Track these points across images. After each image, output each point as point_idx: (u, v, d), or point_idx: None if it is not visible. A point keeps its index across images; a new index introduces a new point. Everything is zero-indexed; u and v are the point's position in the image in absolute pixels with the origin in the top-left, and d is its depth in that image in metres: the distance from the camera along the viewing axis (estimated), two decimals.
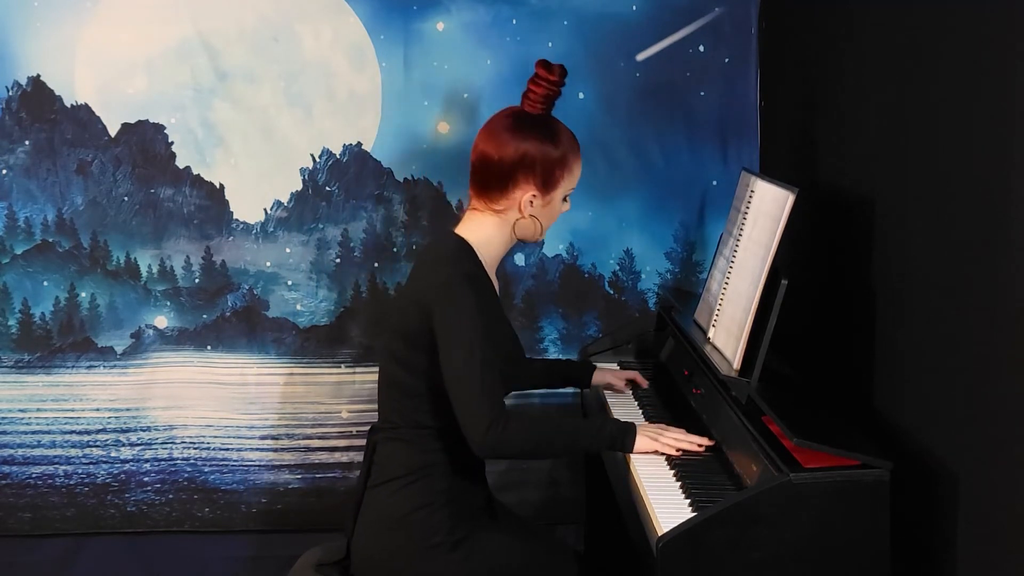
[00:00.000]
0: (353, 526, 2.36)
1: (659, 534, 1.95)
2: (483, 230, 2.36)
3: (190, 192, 3.09)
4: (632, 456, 2.27)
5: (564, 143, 2.34)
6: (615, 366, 2.85)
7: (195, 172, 3.08)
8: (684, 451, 2.28)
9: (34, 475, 3.14)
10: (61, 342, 3.11)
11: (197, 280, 3.12)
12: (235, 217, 3.10)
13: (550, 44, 3.05)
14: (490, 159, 2.33)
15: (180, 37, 3.01)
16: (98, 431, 3.14)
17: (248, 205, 3.10)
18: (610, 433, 2.28)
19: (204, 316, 3.13)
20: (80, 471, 3.14)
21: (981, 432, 1.85)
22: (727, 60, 3.10)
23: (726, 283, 2.46)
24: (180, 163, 3.08)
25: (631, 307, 3.17)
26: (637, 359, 2.94)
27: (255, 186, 3.10)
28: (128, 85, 3.03)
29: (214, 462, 3.16)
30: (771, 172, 2.81)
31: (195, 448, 3.15)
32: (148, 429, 3.14)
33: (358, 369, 3.15)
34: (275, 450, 3.17)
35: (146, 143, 3.06)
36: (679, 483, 2.17)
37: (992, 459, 1.82)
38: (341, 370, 3.16)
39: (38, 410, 3.13)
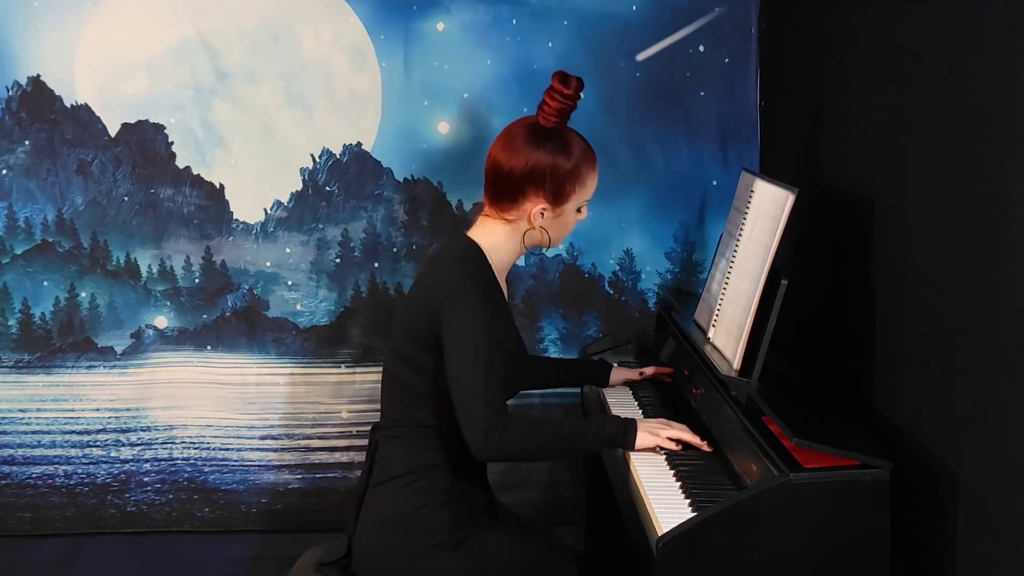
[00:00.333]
0: (354, 524, 2.36)
1: (659, 534, 1.95)
2: (494, 236, 2.37)
3: (190, 192, 3.09)
4: (632, 456, 2.27)
5: (577, 156, 2.33)
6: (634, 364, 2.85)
7: (195, 172, 3.08)
8: (684, 448, 2.28)
9: (34, 475, 3.14)
10: (61, 342, 3.11)
11: (197, 280, 3.12)
12: (235, 217, 3.10)
13: (550, 44, 3.05)
14: (501, 169, 2.33)
15: (180, 37, 3.01)
16: (98, 431, 3.14)
17: (248, 205, 3.10)
18: (610, 432, 2.28)
19: (204, 316, 3.13)
20: (80, 471, 3.14)
21: (981, 432, 1.85)
22: (727, 60, 3.10)
23: (726, 283, 2.46)
24: (180, 163, 3.08)
25: (631, 307, 3.17)
26: (637, 359, 2.94)
27: (255, 186, 3.10)
28: (128, 85, 3.03)
29: (214, 462, 3.16)
30: (771, 172, 2.81)
31: (195, 448, 3.15)
32: (148, 429, 3.15)
33: (358, 369, 3.15)
34: (275, 450, 3.17)
35: (146, 143, 3.06)
36: (679, 483, 2.17)
37: (992, 459, 1.82)
38: (341, 370, 3.16)
39: (38, 410, 3.13)
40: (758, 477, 2.02)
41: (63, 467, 3.14)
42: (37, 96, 3.02)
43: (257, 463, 3.17)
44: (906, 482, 2.01)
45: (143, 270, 3.11)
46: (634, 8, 3.06)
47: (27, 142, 3.05)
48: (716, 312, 2.48)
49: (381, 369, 2.43)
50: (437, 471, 2.32)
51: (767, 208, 2.34)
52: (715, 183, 3.13)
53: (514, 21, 3.05)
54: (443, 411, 2.25)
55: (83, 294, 3.10)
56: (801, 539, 1.94)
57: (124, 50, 3.01)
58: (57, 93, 3.02)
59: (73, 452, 3.14)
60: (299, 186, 3.10)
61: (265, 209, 3.11)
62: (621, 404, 2.66)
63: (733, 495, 1.99)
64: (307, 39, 3.05)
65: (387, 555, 2.31)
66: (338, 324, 3.15)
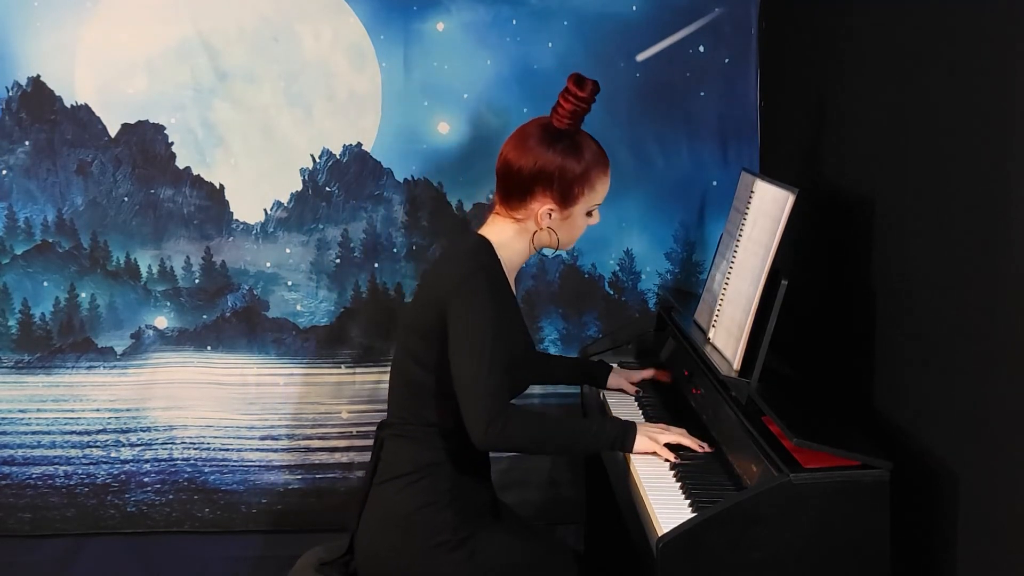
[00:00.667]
0: (357, 521, 2.36)
1: (659, 534, 1.95)
2: (504, 234, 2.37)
3: (190, 192, 3.09)
4: (632, 456, 2.27)
5: (587, 159, 2.33)
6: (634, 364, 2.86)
7: (195, 172, 3.08)
8: (683, 450, 2.28)
9: (34, 475, 3.14)
10: (61, 342, 3.11)
11: (197, 280, 3.12)
12: (235, 217, 3.10)
13: (550, 44, 3.05)
14: (511, 168, 2.33)
15: (180, 37, 3.01)
16: (98, 431, 3.14)
17: (248, 205, 3.10)
18: (610, 433, 2.28)
19: (204, 316, 3.13)
20: (80, 471, 3.14)
21: (981, 432, 1.85)
22: (727, 60, 3.10)
23: (726, 283, 2.46)
24: (180, 163, 3.08)
25: (631, 307, 3.17)
26: (637, 359, 2.94)
27: (255, 186, 3.10)
28: (128, 85, 3.03)
29: (214, 462, 3.16)
30: (771, 172, 2.81)
31: (195, 448, 3.15)
32: (148, 429, 3.14)
33: (358, 369, 3.15)
34: (275, 450, 3.17)
35: (146, 143, 3.06)
36: (679, 483, 2.17)
37: (992, 459, 1.82)
38: (341, 370, 3.16)
39: (38, 410, 3.13)
40: (758, 477, 2.02)
41: (63, 467, 3.14)
42: (37, 96, 3.02)
43: (257, 463, 3.17)
44: (906, 482, 2.01)
45: (143, 270, 3.11)
46: (634, 8, 3.06)
47: (27, 142, 3.04)
48: (716, 312, 2.48)
49: (381, 369, 2.44)
50: (441, 470, 2.32)
51: (767, 208, 2.33)
52: (715, 183, 3.13)
53: (514, 21, 3.05)
54: (448, 409, 2.26)
55: (83, 294, 3.10)
56: (801, 539, 1.94)
57: (124, 50, 3.01)
58: (57, 93, 3.02)
59: (73, 452, 3.14)
60: (299, 186, 3.10)
61: (265, 209, 3.11)
62: (621, 404, 2.66)
63: (733, 495, 1.99)
64: (307, 39, 3.05)
65: (389, 554, 2.31)
66: (338, 324, 3.15)
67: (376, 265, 3.14)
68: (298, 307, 3.14)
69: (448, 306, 2.23)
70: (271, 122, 3.07)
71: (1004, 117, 1.76)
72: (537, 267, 3.15)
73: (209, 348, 3.14)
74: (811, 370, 2.51)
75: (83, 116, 3.04)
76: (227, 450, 3.16)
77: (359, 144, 3.08)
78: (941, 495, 1.97)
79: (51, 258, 3.08)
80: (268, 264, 3.13)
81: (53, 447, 3.13)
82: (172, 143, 3.06)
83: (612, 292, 3.17)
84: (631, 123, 3.09)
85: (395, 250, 3.13)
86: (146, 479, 3.15)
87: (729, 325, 2.38)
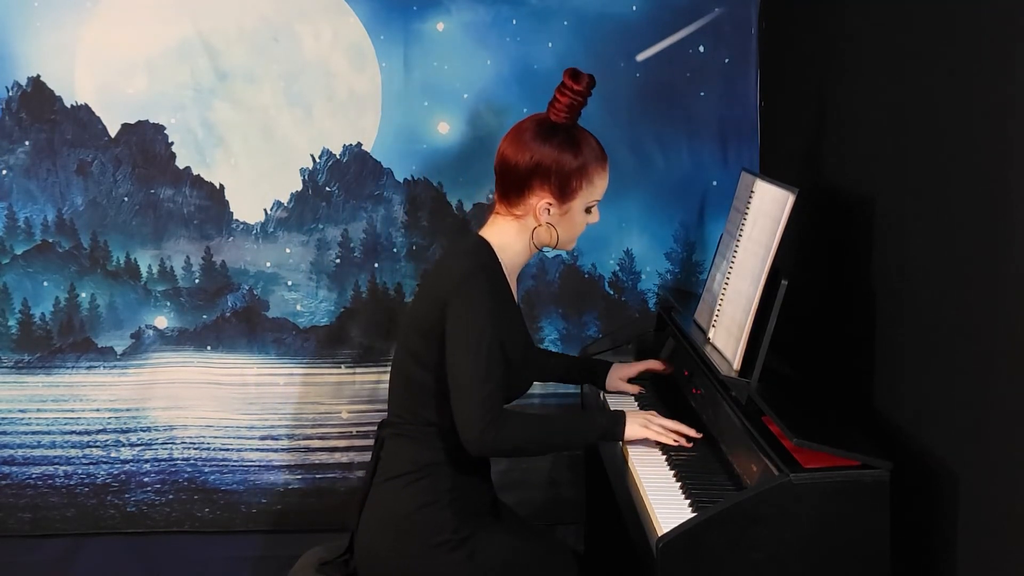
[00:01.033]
0: (358, 521, 2.36)
1: (659, 534, 1.95)
2: (504, 234, 2.37)
3: (190, 192, 3.09)
4: (632, 456, 2.27)
5: (585, 154, 2.33)
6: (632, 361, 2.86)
7: (195, 172, 3.08)
8: (677, 442, 2.30)
9: (34, 475, 3.14)
10: (61, 342, 3.11)
11: (197, 280, 3.12)
12: (235, 217, 3.10)
13: (550, 44, 3.05)
14: (508, 163, 2.33)
15: (180, 37, 3.01)
16: (98, 431, 3.14)
17: (248, 205, 3.10)
18: (601, 424, 2.31)
19: (204, 316, 3.13)
20: (80, 471, 3.14)
21: (981, 432, 1.85)
22: (727, 60, 3.10)
23: (726, 283, 2.46)
24: (180, 163, 3.08)
25: (631, 307, 3.17)
26: (637, 359, 2.93)
27: (255, 186, 3.10)
28: (128, 85, 3.03)
29: (214, 462, 3.16)
30: (771, 172, 2.81)
31: (195, 448, 3.15)
32: (148, 429, 3.14)
33: (358, 369, 3.15)
34: (275, 450, 3.17)
35: (146, 143, 3.06)
36: (679, 483, 2.17)
37: (992, 459, 1.82)
38: (341, 370, 3.16)
39: (38, 410, 3.13)
40: (758, 477, 2.02)
41: (63, 467, 3.14)
42: (37, 96, 3.02)
43: (257, 463, 3.17)
44: (906, 482, 2.01)
45: (143, 270, 3.11)
46: (634, 8, 3.06)
47: (27, 142, 3.04)
48: (716, 312, 2.48)
49: (381, 369, 2.44)
50: (441, 470, 2.32)
51: (767, 208, 2.33)
52: (715, 183, 3.13)
53: (514, 21, 3.05)
54: (448, 409, 2.25)
55: (83, 294, 3.10)
56: (801, 539, 1.94)
57: (124, 50, 3.01)
58: (57, 93, 3.02)
59: (73, 452, 3.14)
60: (299, 186, 3.10)
61: (265, 209, 3.11)
62: (620, 404, 2.66)
63: (733, 495, 1.99)
64: (307, 39, 3.05)
65: (390, 554, 2.31)
66: (338, 324, 3.15)
67: (376, 265, 3.14)
68: (298, 307, 3.14)
69: (448, 305, 2.23)
70: (271, 122, 3.07)
71: (1004, 117, 1.76)
72: (537, 267, 3.15)
73: (209, 348, 3.14)
74: (811, 370, 2.51)
75: (83, 116, 3.04)
76: (227, 450, 3.16)
77: (359, 144, 3.08)
78: (941, 495, 1.97)
79: (51, 258, 3.08)
80: (268, 264, 3.13)
81: (53, 447, 3.13)
82: (172, 143, 3.06)
83: (612, 292, 3.17)
84: (631, 123, 3.09)
85: (395, 250, 3.13)
86: (146, 479, 3.15)
87: (729, 325, 2.38)
